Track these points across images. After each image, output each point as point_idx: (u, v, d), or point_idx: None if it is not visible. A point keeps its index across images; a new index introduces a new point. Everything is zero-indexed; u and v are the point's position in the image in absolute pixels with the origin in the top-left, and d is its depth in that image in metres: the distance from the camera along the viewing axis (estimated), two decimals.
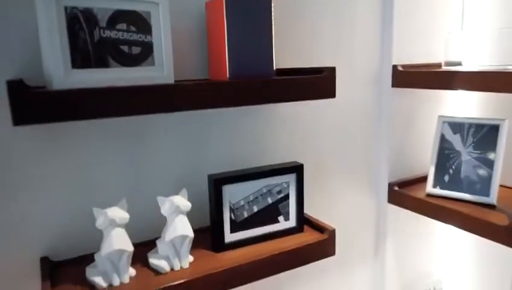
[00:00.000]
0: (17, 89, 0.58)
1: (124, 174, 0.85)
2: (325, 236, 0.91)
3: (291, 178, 0.92)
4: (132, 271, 0.77)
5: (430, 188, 1.16)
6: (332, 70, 0.84)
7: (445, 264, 1.43)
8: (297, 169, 0.92)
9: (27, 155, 0.77)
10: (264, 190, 0.90)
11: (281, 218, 0.93)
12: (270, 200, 0.91)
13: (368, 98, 1.19)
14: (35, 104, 0.59)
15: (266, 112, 1.01)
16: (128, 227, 0.75)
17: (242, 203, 0.87)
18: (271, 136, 1.03)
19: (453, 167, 1.15)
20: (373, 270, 1.31)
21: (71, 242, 0.83)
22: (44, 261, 0.79)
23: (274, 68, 0.84)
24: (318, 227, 0.94)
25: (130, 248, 0.73)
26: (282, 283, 1.12)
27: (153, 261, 0.79)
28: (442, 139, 1.18)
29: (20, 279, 0.79)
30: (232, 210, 0.86)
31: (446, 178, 1.15)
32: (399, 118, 1.22)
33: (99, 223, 0.71)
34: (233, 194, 0.86)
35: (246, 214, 0.88)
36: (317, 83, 0.84)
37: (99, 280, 0.73)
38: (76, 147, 0.81)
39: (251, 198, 0.88)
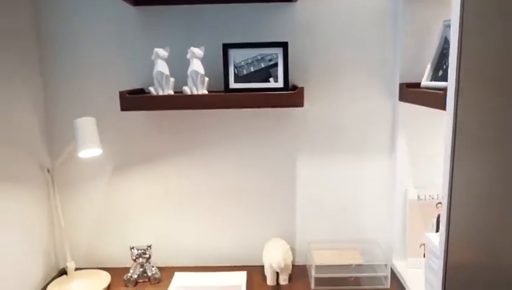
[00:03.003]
0: None
1: (182, 45, 1.44)
2: (295, 91, 1.28)
3: (279, 51, 1.33)
4: (171, 91, 1.35)
5: (424, 81, 1.33)
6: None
7: None
8: (283, 44, 1.32)
9: (141, 30, 1.45)
10: (259, 57, 1.34)
11: (271, 79, 1.35)
12: (263, 65, 1.34)
13: (383, 8, 1.43)
14: None
15: (287, 15, 1.43)
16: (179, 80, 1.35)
17: (242, 63, 1.34)
18: (290, 34, 1.44)
19: (447, 63, 1.28)
20: (388, 164, 1.53)
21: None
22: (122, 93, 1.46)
23: None
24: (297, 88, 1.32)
25: (167, 72, 1.32)
26: (311, 170, 1.52)
27: (183, 88, 1.35)
28: (445, 41, 1.31)
29: None
30: (235, 67, 1.35)
31: (440, 73, 1.30)
32: (413, 27, 1.40)
33: (152, 56, 1.33)
34: (236, 56, 1.34)
35: (245, 72, 1.35)
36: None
37: (152, 90, 1.34)
38: (159, 25, 1.44)
39: (249, 61, 1.34)
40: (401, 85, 1.44)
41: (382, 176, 1.54)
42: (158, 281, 1.49)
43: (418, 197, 1.49)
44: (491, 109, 0.76)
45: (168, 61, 1.34)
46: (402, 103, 1.45)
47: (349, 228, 1.58)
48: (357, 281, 1.43)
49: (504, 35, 0.70)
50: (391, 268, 1.52)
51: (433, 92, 1.17)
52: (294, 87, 1.35)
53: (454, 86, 1.05)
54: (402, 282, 1.44)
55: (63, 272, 1.54)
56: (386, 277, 1.42)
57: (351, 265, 1.44)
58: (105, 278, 1.49)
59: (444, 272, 1.11)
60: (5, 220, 1.30)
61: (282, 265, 1.39)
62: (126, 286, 1.47)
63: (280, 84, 1.35)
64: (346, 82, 1.48)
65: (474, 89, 0.88)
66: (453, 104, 1.06)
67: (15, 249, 1.35)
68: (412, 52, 1.42)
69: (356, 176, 1.54)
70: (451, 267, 1.06)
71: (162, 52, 1.32)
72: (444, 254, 1.12)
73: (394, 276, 1.48)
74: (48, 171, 1.47)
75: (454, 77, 1.05)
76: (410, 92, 1.36)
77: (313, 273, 1.42)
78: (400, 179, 1.50)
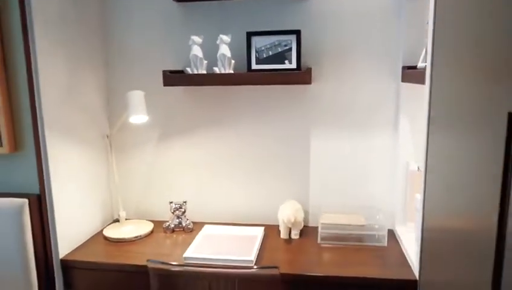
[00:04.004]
0: None
1: (213, 33, 1.72)
2: (303, 71, 1.53)
3: (293, 38, 1.58)
4: (204, 71, 1.65)
5: (419, 63, 1.51)
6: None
7: None
8: (296, 32, 1.57)
9: (181, 22, 1.76)
10: (276, 43, 1.59)
11: (286, 61, 1.60)
12: (279, 49, 1.59)
13: (388, 1, 1.63)
14: None
15: (303, 8, 1.67)
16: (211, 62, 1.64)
17: (263, 48, 1.61)
18: (306, 23, 1.68)
19: None
20: (392, 139, 1.72)
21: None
22: (165, 72, 1.77)
23: None
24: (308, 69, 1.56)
25: (201, 55, 1.61)
26: (325, 136, 1.75)
27: (213, 68, 1.64)
28: None
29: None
30: (256, 51, 1.61)
31: None
32: (415, 18, 1.59)
33: (189, 42, 1.63)
34: (257, 42, 1.61)
35: (264, 55, 1.61)
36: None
37: (188, 70, 1.65)
38: (195, 17, 1.75)
39: (268, 46, 1.60)
40: (403, 68, 1.63)
41: (386, 149, 1.73)
42: (191, 230, 1.79)
43: (418, 168, 1.67)
44: (462, 82, 0.93)
45: (201, 46, 1.64)
46: (405, 84, 1.63)
47: (356, 196, 1.79)
48: (358, 239, 1.64)
49: (474, 24, 0.90)
50: (392, 231, 1.71)
51: (418, 71, 1.37)
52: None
53: (430, 63, 1.25)
54: (399, 242, 1.63)
55: (116, 221, 1.90)
56: (383, 236, 1.61)
57: (352, 225, 1.65)
58: (149, 225, 1.82)
59: (421, 223, 1.31)
60: (77, 175, 1.67)
61: (292, 220, 1.63)
62: (165, 232, 1.79)
63: (293, 65, 1.59)
64: (355, 65, 1.69)
65: (447, 66, 1.06)
66: (429, 79, 1.26)
67: (84, 199, 1.72)
68: (414, 39, 1.60)
69: (363, 149, 1.75)
70: (427, 221, 1.26)
71: (197, 39, 1.62)
72: (422, 208, 1.33)
73: (394, 238, 1.67)
74: (107, 137, 1.82)
75: (430, 54, 1.24)
76: (407, 72, 1.55)
77: (320, 230, 1.65)
78: (401, 152, 1.68)
